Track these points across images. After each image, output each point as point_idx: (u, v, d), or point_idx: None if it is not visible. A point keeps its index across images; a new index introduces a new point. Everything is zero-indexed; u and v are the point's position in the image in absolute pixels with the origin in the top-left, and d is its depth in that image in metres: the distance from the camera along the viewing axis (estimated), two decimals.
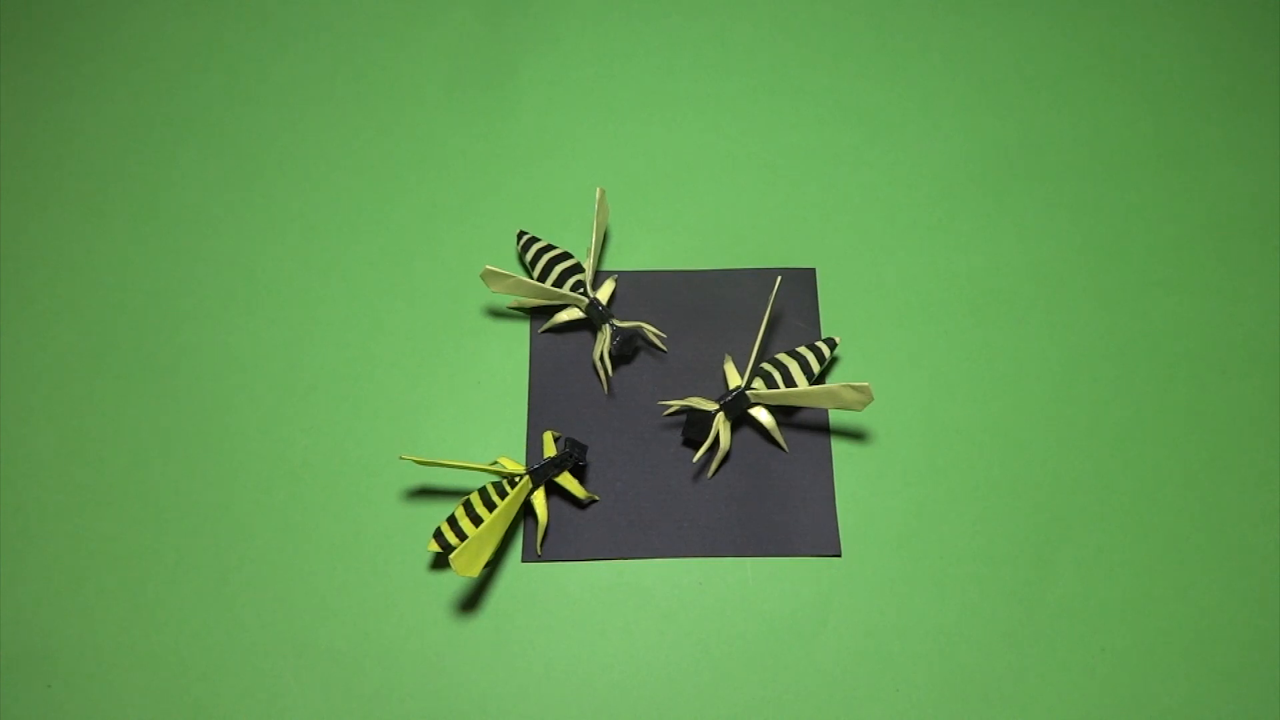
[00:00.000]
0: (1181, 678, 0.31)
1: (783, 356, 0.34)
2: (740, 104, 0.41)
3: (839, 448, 0.35)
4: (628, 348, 0.34)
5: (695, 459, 0.33)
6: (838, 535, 0.33)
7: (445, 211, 0.39)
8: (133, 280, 0.38)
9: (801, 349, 0.34)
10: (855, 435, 0.35)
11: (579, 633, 0.32)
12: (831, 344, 0.35)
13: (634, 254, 0.38)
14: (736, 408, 0.33)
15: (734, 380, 0.34)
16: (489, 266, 0.34)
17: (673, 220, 0.39)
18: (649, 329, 0.35)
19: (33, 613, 0.32)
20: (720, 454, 0.33)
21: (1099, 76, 0.42)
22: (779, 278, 0.34)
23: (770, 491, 0.34)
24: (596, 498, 0.34)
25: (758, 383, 0.33)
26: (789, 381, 0.33)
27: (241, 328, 0.37)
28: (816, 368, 0.34)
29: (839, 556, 0.33)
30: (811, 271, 0.37)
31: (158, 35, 0.43)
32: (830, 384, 0.31)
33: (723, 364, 0.35)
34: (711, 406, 0.33)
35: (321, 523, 0.34)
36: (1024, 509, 0.34)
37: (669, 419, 0.35)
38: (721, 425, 0.33)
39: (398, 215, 0.39)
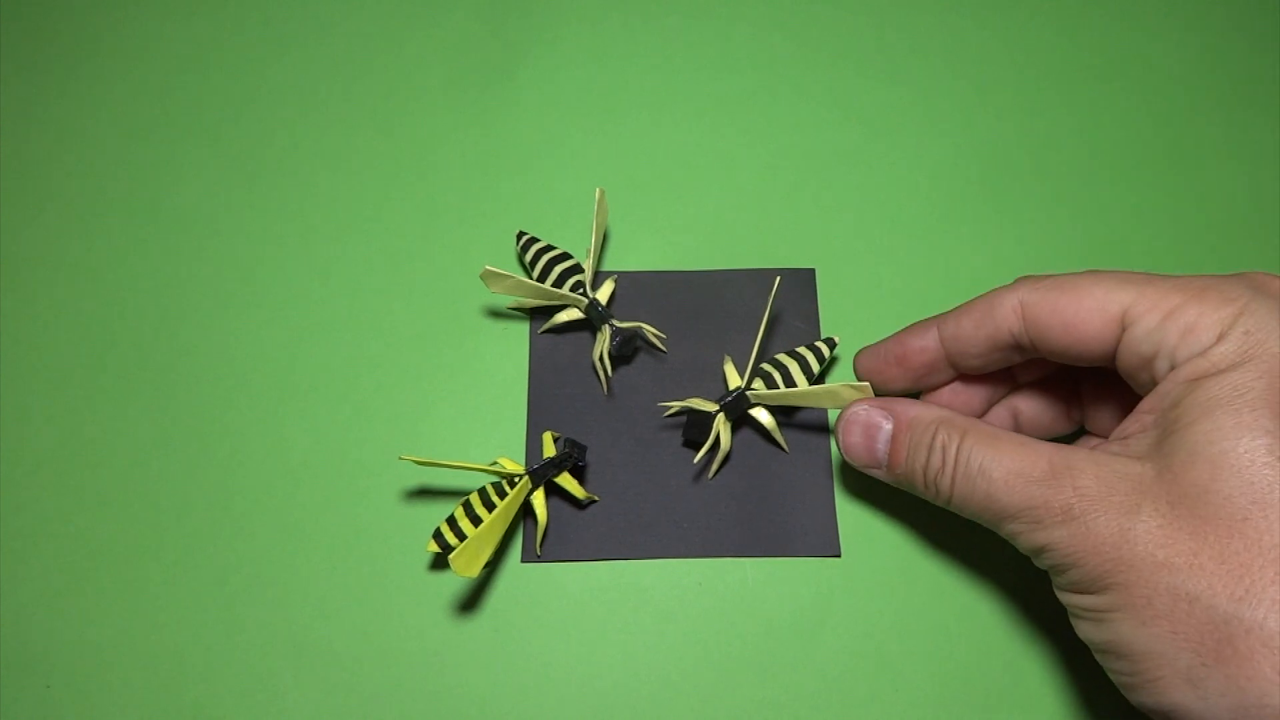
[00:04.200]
0: None
1: (782, 357, 0.34)
2: (740, 104, 0.41)
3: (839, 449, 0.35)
4: (627, 348, 0.34)
5: (696, 460, 0.33)
6: (838, 536, 0.33)
7: (445, 211, 0.39)
8: (132, 280, 0.38)
9: (801, 349, 0.34)
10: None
11: (579, 633, 0.32)
12: (831, 344, 0.34)
13: (634, 254, 0.38)
14: (736, 408, 0.33)
15: (734, 381, 0.34)
16: (489, 267, 0.34)
17: (673, 220, 0.39)
18: (649, 329, 0.35)
19: (33, 613, 0.32)
20: (721, 455, 0.33)
21: (1099, 76, 0.42)
22: (778, 278, 0.34)
23: (770, 492, 0.34)
24: (596, 498, 0.34)
25: (757, 383, 0.33)
26: (789, 382, 0.33)
27: (241, 328, 0.37)
28: (816, 368, 0.34)
29: (839, 557, 0.33)
30: (811, 272, 0.37)
31: (157, 35, 0.43)
32: (830, 384, 0.31)
33: (722, 365, 0.35)
34: (712, 407, 0.33)
35: (321, 523, 0.34)
36: None
37: (669, 420, 0.35)
38: (722, 426, 0.33)
39: (398, 215, 0.39)
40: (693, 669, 0.32)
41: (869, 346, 0.33)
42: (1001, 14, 0.43)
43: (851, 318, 0.37)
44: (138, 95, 0.41)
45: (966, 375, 0.32)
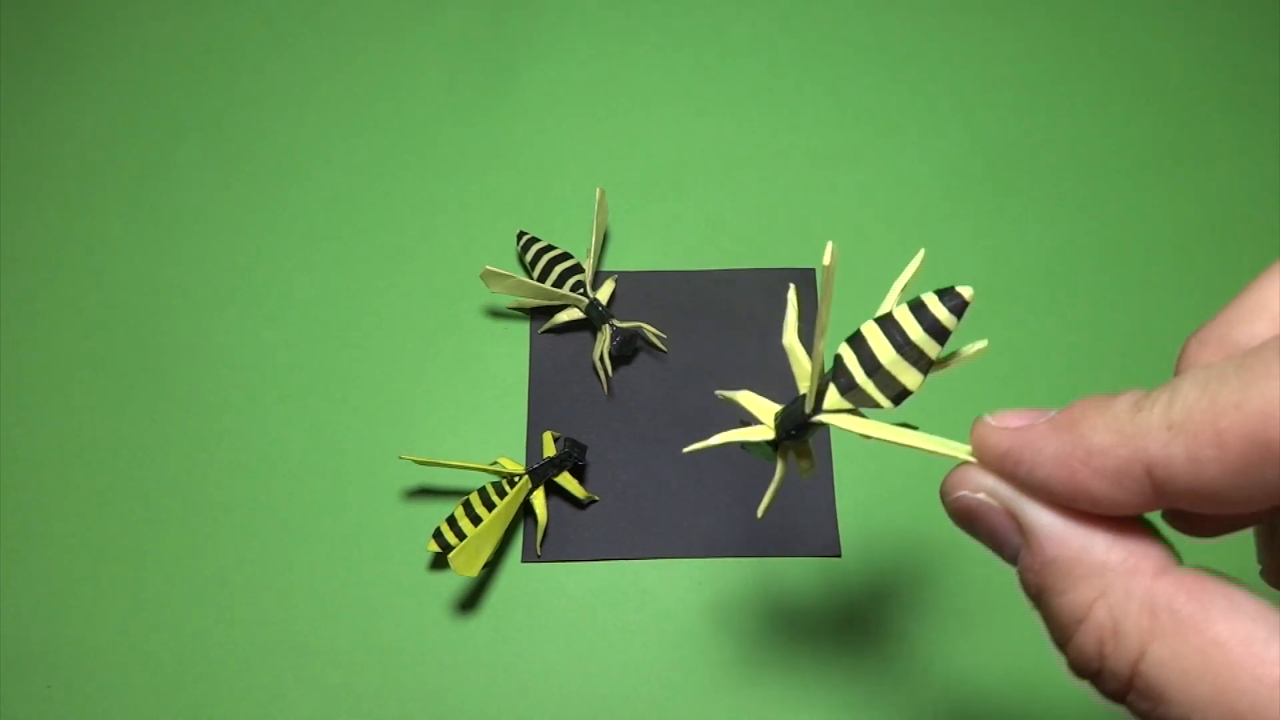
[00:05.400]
0: None
1: (872, 333, 0.20)
2: (740, 104, 0.41)
3: (839, 448, 0.35)
4: (627, 348, 0.34)
5: (759, 509, 0.24)
6: (838, 535, 0.33)
7: (445, 211, 0.39)
8: (131, 279, 0.38)
9: (899, 312, 0.20)
10: (855, 435, 0.35)
11: (579, 633, 0.32)
12: (959, 304, 0.19)
13: (634, 254, 0.38)
14: (802, 436, 0.22)
15: (801, 381, 0.22)
16: (489, 267, 0.34)
17: (673, 220, 0.39)
18: (649, 329, 0.35)
19: (33, 613, 0.32)
20: (777, 482, 0.23)
21: (1100, 76, 0.42)
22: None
23: None
24: (596, 498, 0.34)
25: (833, 397, 0.21)
26: (892, 391, 0.21)
27: (241, 328, 0.37)
28: (936, 352, 0.20)
29: (839, 557, 0.33)
30: (811, 272, 0.37)
31: (156, 34, 0.43)
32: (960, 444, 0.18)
33: (783, 337, 0.23)
34: (767, 430, 0.23)
35: (321, 523, 0.34)
36: None
37: (671, 419, 0.35)
38: (785, 455, 0.23)
39: (397, 215, 0.39)
40: (692, 669, 0.32)
41: (994, 427, 0.17)
42: (1003, 14, 0.43)
43: (852, 318, 0.37)
44: (137, 95, 0.41)
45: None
